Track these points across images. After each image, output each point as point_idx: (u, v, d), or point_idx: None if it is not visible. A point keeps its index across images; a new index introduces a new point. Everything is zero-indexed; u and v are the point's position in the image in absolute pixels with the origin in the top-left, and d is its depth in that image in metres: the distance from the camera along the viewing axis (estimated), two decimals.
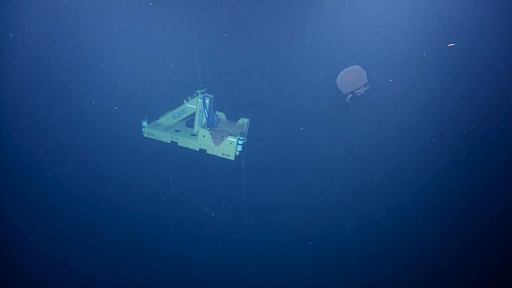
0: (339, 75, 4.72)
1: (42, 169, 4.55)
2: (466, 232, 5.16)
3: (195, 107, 4.58)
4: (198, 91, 4.51)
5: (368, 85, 4.67)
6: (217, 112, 5.12)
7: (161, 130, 4.57)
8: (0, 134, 4.34)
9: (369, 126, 5.06)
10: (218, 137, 4.58)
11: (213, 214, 5.12)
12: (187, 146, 4.53)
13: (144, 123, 4.59)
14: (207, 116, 4.56)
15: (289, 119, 5.21)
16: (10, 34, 4.15)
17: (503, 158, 4.90)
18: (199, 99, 4.49)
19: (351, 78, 4.61)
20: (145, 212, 4.85)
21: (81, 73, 4.62)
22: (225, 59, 5.13)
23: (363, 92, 4.69)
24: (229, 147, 4.42)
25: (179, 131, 4.70)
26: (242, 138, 4.41)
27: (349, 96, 4.76)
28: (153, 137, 4.57)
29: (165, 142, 4.55)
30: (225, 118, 5.17)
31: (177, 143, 4.54)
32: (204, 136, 4.44)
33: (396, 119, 5.03)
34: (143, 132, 4.57)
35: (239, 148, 4.46)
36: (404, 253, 5.36)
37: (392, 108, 5.01)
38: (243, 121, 5.09)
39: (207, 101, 4.48)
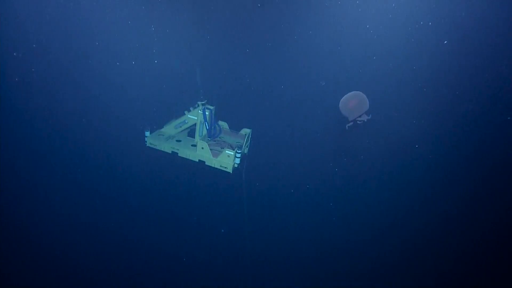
0: (341, 100, 4.64)
1: (46, 175, 4.77)
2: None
3: (196, 118, 4.62)
4: (199, 103, 4.54)
5: (370, 115, 4.57)
6: (219, 122, 5.15)
7: (162, 140, 4.68)
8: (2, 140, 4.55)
9: (370, 141, 4.89)
10: (218, 148, 4.61)
11: (222, 230, 5.16)
12: (187, 157, 4.60)
13: (147, 133, 4.71)
14: (207, 127, 4.59)
15: (291, 131, 5.14)
16: (14, 54, 4.35)
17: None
18: (199, 111, 4.52)
19: (353, 103, 4.50)
20: (144, 219, 5.01)
21: (86, 84, 4.81)
22: (229, 71, 5.14)
23: (365, 121, 4.58)
24: (227, 160, 4.44)
25: (180, 141, 4.77)
26: (239, 151, 4.40)
27: (350, 123, 4.67)
28: (155, 147, 4.69)
29: (166, 152, 4.66)
30: (227, 127, 5.18)
31: (177, 153, 4.63)
32: (203, 148, 4.48)
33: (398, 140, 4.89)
34: (146, 142, 4.70)
35: (237, 161, 4.47)
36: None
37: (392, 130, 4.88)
38: (245, 131, 5.07)
39: (207, 113, 4.50)
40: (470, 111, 4.64)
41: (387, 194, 5.06)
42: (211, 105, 4.62)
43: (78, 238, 4.43)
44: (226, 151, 4.41)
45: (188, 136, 5.00)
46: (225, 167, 4.48)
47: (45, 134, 4.59)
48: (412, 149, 4.87)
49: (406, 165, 4.94)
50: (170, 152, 4.64)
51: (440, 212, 4.99)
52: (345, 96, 4.65)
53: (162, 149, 4.66)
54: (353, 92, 4.64)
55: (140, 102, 5.13)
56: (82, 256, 4.25)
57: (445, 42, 4.51)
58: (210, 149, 4.52)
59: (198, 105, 4.55)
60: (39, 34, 4.34)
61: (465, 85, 4.54)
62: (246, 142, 4.86)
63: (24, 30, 4.28)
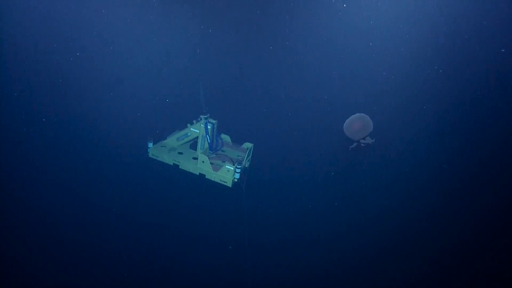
0: (345, 122, 4.67)
1: (48, 184, 4.83)
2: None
3: (198, 131, 4.67)
4: (202, 116, 4.59)
5: (374, 138, 4.57)
6: (222, 135, 5.19)
7: (164, 152, 4.74)
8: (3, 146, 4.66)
9: (374, 161, 4.84)
10: (219, 162, 4.64)
11: (230, 247, 5.14)
12: (188, 170, 4.65)
13: (150, 144, 4.79)
14: (209, 141, 4.63)
15: (293, 148, 5.14)
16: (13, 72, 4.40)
17: None
18: (202, 124, 4.57)
19: (357, 126, 4.51)
20: (142, 230, 5.06)
21: (93, 93, 4.93)
22: (233, 86, 5.20)
23: (369, 143, 4.58)
24: (226, 174, 4.46)
25: (182, 153, 4.83)
26: (239, 166, 4.42)
27: (354, 144, 4.69)
28: (157, 158, 4.76)
29: (168, 163, 4.72)
30: (230, 141, 5.22)
31: (178, 165, 4.68)
32: (203, 161, 4.52)
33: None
34: (148, 153, 4.78)
35: (237, 175, 4.48)
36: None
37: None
38: (247, 145, 5.09)
39: (209, 127, 4.54)
40: (477, 136, 4.55)
41: (390, 215, 4.98)
42: (214, 119, 4.67)
43: (78, 247, 4.51)
44: (226, 166, 4.43)
45: (190, 148, 5.05)
46: (225, 182, 4.50)
47: (47, 143, 4.69)
48: (417, 172, 4.81)
49: (410, 187, 4.86)
50: (172, 164, 4.71)
51: (443, 245, 4.89)
52: (349, 118, 4.69)
53: (164, 161, 4.72)
54: (357, 114, 4.67)
55: (144, 113, 5.22)
56: (81, 266, 4.31)
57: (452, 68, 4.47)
58: (211, 163, 4.55)
59: (201, 119, 4.60)
60: (41, 46, 4.45)
61: (474, 111, 4.46)
62: (247, 156, 4.87)
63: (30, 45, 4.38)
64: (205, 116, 4.58)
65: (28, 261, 4.24)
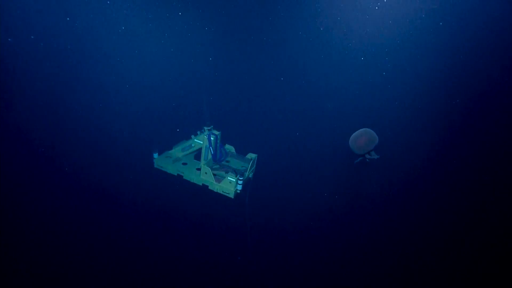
0: (351, 137, 4.63)
1: (52, 190, 4.92)
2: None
3: (202, 142, 4.74)
4: (205, 128, 4.66)
5: (379, 155, 4.50)
6: (226, 146, 5.24)
7: (169, 162, 4.84)
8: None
9: (379, 177, 4.74)
10: (222, 173, 4.68)
11: (239, 258, 5.14)
12: (191, 180, 4.72)
13: (155, 155, 4.90)
14: (212, 153, 4.69)
15: (297, 160, 5.12)
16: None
17: None
18: (205, 136, 4.64)
19: (363, 140, 4.46)
20: (144, 239, 5.15)
21: (102, 104, 5.10)
22: (237, 97, 5.26)
23: (374, 159, 4.51)
24: (228, 186, 4.50)
25: (186, 164, 4.91)
26: (241, 178, 4.44)
27: (359, 159, 4.63)
28: (162, 169, 4.86)
29: (172, 174, 4.82)
30: (234, 151, 5.26)
31: (182, 176, 4.76)
32: (206, 173, 4.58)
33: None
34: (154, 163, 4.90)
35: (239, 187, 4.51)
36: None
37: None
38: (251, 156, 5.11)
39: (212, 138, 4.60)
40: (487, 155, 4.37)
41: (394, 229, 4.84)
42: (218, 131, 4.72)
43: (83, 255, 4.64)
44: (228, 178, 4.47)
45: (194, 159, 5.13)
46: (227, 193, 4.54)
47: (52, 152, 4.84)
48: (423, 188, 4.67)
49: (415, 204, 4.72)
50: (176, 174, 4.80)
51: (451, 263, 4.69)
52: (354, 133, 4.65)
53: (168, 171, 4.82)
54: (363, 129, 4.62)
55: (151, 123, 5.35)
56: (83, 275, 4.42)
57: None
58: (214, 174, 4.61)
59: (204, 130, 4.67)
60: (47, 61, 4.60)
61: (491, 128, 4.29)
62: (251, 167, 4.89)
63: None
64: (209, 128, 4.65)
65: (30, 270, 4.35)
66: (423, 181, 4.61)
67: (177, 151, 5.03)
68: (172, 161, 4.89)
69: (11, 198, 4.62)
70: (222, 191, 4.56)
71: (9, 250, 4.47)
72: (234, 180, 4.44)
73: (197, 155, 5.13)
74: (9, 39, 4.23)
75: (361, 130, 4.66)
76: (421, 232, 4.71)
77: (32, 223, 4.71)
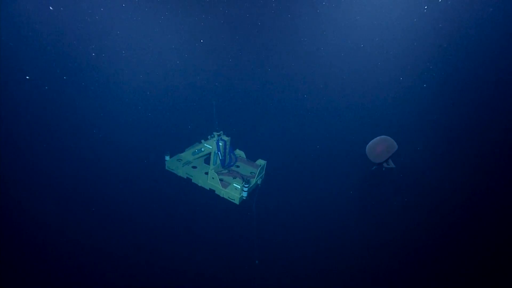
0: (368, 145, 4.40)
1: (63, 193, 5.09)
2: None
3: (211, 147, 4.79)
4: (215, 133, 4.70)
5: (395, 165, 4.26)
6: (236, 151, 5.25)
7: (179, 165, 4.96)
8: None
9: (395, 186, 4.49)
10: (229, 178, 4.70)
11: (256, 261, 5.14)
12: (199, 184, 4.80)
13: (167, 157, 5.04)
14: (221, 158, 4.72)
15: (306, 166, 5.00)
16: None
17: None
18: (214, 141, 4.68)
19: (380, 148, 4.22)
20: (152, 241, 5.30)
21: (118, 110, 5.35)
22: (248, 104, 5.24)
23: (391, 168, 4.27)
24: (234, 192, 4.51)
25: (196, 167, 5.00)
26: (247, 185, 4.43)
27: (375, 167, 4.41)
28: (172, 171, 5.00)
29: (182, 176, 4.93)
30: (244, 157, 5.26)
31: (191, 179, 4.86)
32: (213, 178, 4.63)
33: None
34: (165, 165, 5.04)
35: (244, 194, 4.50)
36: None
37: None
38: (261, 162, 5.07)
39: (221, 144, 4.63)
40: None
41: (406, 237, 4.54)
42: (227, 136, 4.74)
43: (92, 257, 4.81)
44: (234, 184, 4.48)
45: (204, 163, 5.21)
46: (233, 199, 4.55)
47: (66, 155, 5.08)
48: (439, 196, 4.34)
49: (430, 211, 4.41)
50: (185, 177, 4.90)
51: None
52: (372, 141, 4.42)
53: (179, 174, 4.94)
54: (381, 137, 4.38)
55: (164, 126, 5.51)
56: (92, 277, 4.59)
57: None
58: (222, 179, 4.64)
59: (214, 135, 4.71)
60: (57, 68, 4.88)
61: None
62: (259, 173, 4.86)
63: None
64: (218, 133, 4.68)
65: (37, 273, 4.49)
66: (445, 191, 4.27)
67: (188, 154, 5.13)
68: (183, 164, 5.00)
69: (29, 200, 4.85)
70: (228, 197, 4.59)
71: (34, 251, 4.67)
72: (239, 187, 4.45)
73: (207, 159, 5.19)
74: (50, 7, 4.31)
75: (378, 137, 4.41)
76: (440, 243, 4.38)
77: (45, 224, 4.91)
